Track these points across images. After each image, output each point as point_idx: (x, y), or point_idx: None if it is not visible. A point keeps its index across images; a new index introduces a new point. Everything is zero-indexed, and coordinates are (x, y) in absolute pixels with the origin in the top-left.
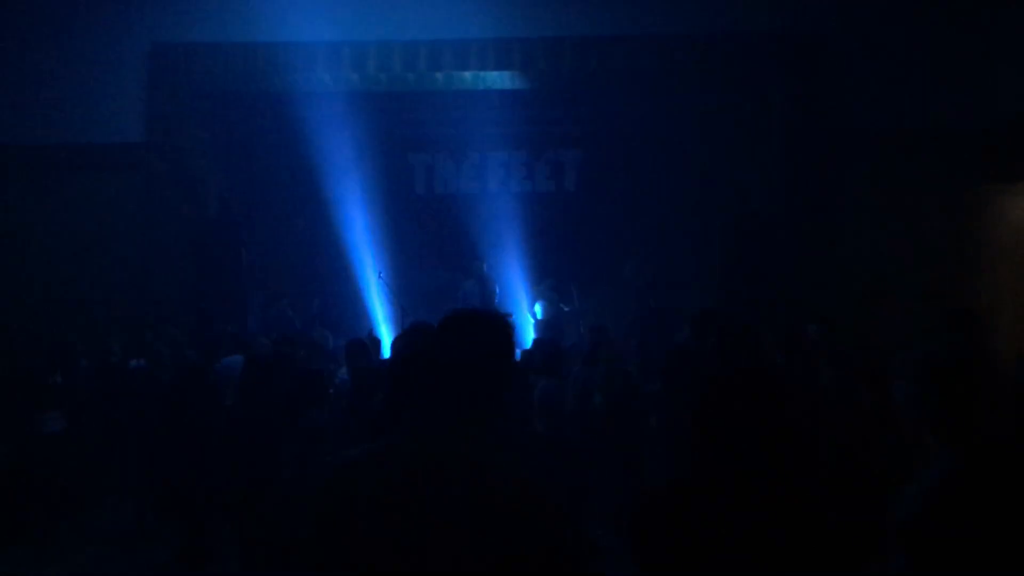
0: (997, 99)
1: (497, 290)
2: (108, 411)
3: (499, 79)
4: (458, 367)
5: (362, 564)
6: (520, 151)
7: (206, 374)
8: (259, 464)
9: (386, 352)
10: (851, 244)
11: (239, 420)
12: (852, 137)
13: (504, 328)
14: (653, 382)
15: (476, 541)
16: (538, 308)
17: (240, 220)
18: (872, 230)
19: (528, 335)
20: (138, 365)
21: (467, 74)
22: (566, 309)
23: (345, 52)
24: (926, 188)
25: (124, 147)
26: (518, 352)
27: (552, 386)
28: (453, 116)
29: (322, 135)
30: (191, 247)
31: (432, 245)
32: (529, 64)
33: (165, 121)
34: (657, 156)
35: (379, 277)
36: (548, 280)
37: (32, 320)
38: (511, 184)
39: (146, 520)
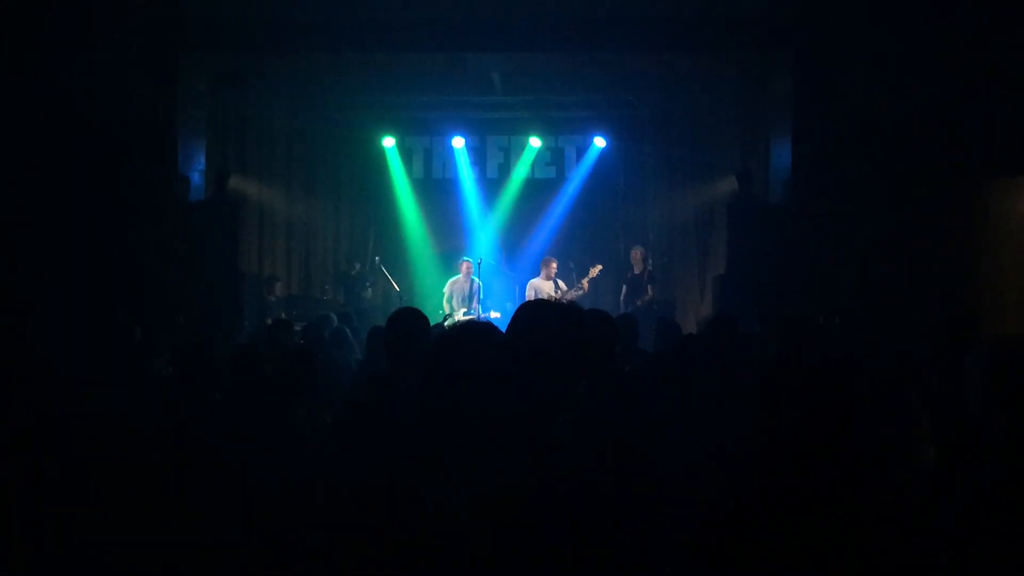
0: (1009, 90)
1: (481, 284)
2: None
3: (502, 62)
4: (540, 356)
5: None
6: (520, 136)
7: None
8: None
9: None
10: (858, 238)
11: (229, 409)
12: (860, 128)
13: (588, 321)
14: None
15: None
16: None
17: (235, 201)
18: (879, 223)
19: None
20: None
21: (469, 56)
22: (579, 292)
23: (344, 31)
24: (936, 180)
25: (116, 126)
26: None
27: None
28: (453, 99)
29: (321, 116)
30: (185, 230)
31: (430, 229)
32: (529, 49)
33: (160, 100)
34: (659, 146)
35: (377, 262)
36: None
37: (27, 302)
38: (511, 169)
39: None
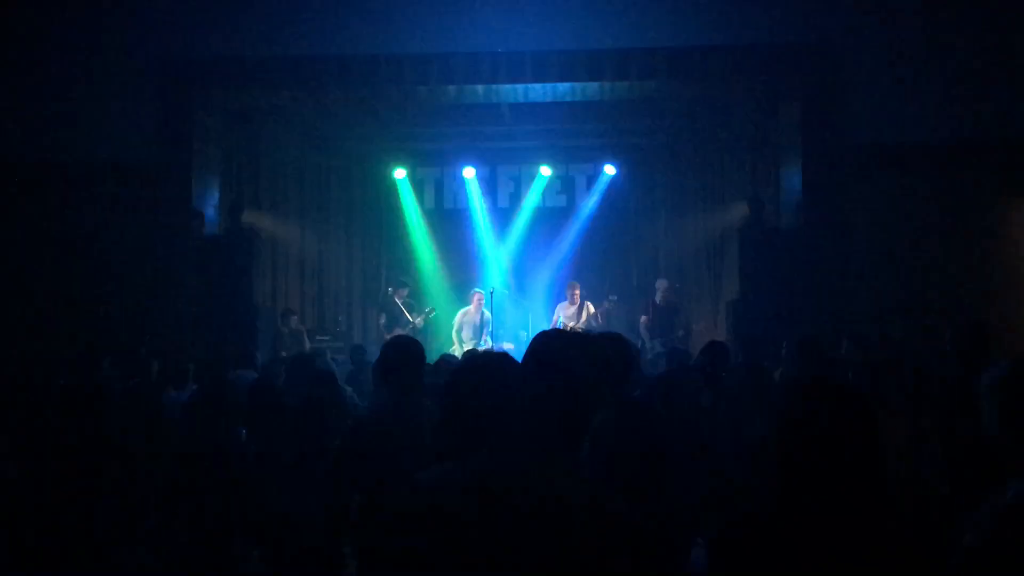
0: (1016, 111)
1: (491, 317)
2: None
3: (511, 93)
4: (550, 391)
5: None
6: (531, 165)
7: (219, 392)
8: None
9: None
10: (867, 259)
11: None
12: (869, 151)
13: (601, 348)
14: None
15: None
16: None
17: (250, 237)
18: (890, 245)
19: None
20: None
21: (479, 87)
22: (593, 323)
23: (355, 66)
24: (946, 201)
25: (133, 163)
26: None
27: None
28: (464, 130)
29: (333, 150)
30: (200, 264)
31: (442, 260)
32: (538, 80)
33: (174, 137)
34: (670, 173)
35: (390, 292)
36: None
37: (37, 338)
38: (521, 199)
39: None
